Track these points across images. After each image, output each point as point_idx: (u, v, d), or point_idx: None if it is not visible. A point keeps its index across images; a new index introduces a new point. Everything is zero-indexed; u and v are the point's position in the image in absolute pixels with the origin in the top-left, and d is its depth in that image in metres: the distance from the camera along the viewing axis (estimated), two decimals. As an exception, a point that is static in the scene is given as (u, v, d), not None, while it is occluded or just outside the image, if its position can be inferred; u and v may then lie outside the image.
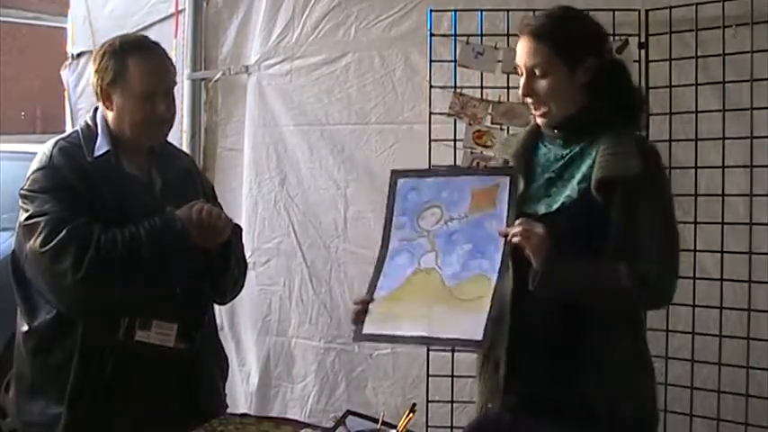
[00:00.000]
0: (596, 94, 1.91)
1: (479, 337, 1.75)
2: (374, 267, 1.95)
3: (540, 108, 1.92)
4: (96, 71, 2.14)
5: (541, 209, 1.90)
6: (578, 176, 1.88)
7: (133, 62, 2.10)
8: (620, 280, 1.79)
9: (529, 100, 1.93)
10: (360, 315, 1.89)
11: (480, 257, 1.84)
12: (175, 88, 2.22)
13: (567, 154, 1.92)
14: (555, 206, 1.89)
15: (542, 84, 1.88)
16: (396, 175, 2.02)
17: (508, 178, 1.90)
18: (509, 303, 1.88)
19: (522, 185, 1.92)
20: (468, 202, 1.91)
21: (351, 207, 3.58)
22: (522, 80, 1.91)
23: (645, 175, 1.82)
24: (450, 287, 1.84)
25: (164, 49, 2.21)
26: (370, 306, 1.89)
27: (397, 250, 1.94)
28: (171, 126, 2.21)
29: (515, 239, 1.80)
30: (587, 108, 1.90)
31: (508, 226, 1.83)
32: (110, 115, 2.15)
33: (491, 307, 1.77)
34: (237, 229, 2.31)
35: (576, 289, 1.81)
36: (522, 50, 1.91)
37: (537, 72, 1.88)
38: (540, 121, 1.95)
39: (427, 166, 3.12)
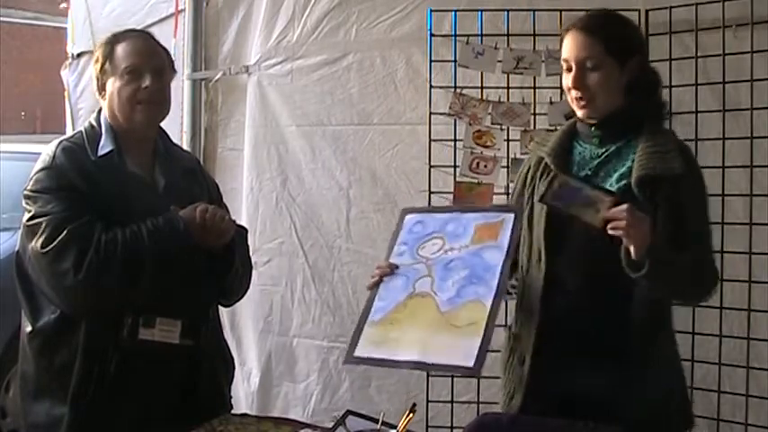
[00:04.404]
0: (635, 94, 1.94)
1: (471, 363, 1.75)
2: (369, 293, 1.97)
3: (586, 101, 1.93)
4: (94, 64, 2.20)
5: None
6: (616, 175, 1.91)
7: (120, 45, 2.16)
8: (695, 266, 1.83)
9: (575, 93, 1.94)
10: (354, 337, 1.89)
11: (476, 283, 1.85)
12: (176, 88, 2.23)
13: (603, 153, 1.96)
14: None
15: (593, 76, 1.91)
16: (405, 211, 2.08)
17: (513, 215, 1.94)
18: (539, 298, 1.91)
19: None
20: (470, 235, 1.94)
21: (353, 207, 3.58)
22: (573, 73, 1.92)
23: (687, 174, 1.86)
24: (443, 312, 1.84)
25: (157, 40, 2.24)
26: (365, 329, 1.89)
27: (392, 275, 1.95)
28: (163, 113, 2.22)
29: (617, 232, 1.75)
30: (625, 108, 1.94)
31: (508, 257, 1.84)
32: (105, 106, 2.18)
33: (485, 333, 1.77)
34: (242, 231, 2.32)
35: (668, 277, 1.79)
36: (573, 44, 1.93)
37: (589, 65, 1.91)
38: (583, 113, 1.95)
39: (427, 166, 3.14)
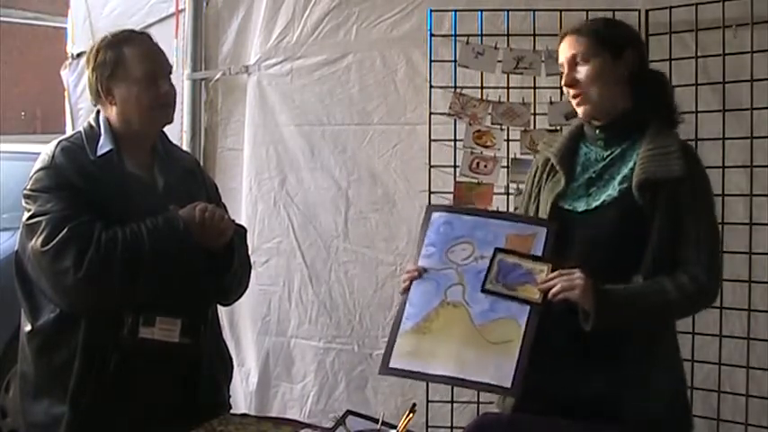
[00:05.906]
0: (639, 94, 1.94)
1: (508, 384, 1.75)
2: (401, 298, 1.93)
3: (581, 97, 1.93)
4: (93, 69, 2.15)
5: (581, 206, 1.94)
6: (619, 177, 1.91)
7: (129, 50, 2.13)
8: (668, 296, 1.81)
9: (571, 92, 1.95)
10: (388, 346, 1.87)
11: (510, 300, 1.84)
12: (175, 88, 2.23)
13: (608, 155, 1.96)
14: (595, 204, 1.92)
15: (583, 69, 1.92)
16: (431, 208, 2.04)
17: (545, 230, 1.92)
18: None
19: (561, 184, 1.95)
20: (502, 245, 1.91)
21: (352, 207, 3.58)
22: (564, 72, 1.95)
23: (688, 177, 1.85)
24: (477, 326, 1.82)
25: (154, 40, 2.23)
26: (398, 339, 1.87)
27: (422, 278, 1.92)
28: (174, 114, 2.22)
29: (560, 296, 1.78)
30: (630, 110, 1.94)
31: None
32: (113, 111, 2.15)
33: (521, 353, 1.76)
34: (241, 230, 2.32)
35: (630, 318, 1.81)
36: (564, 47, 1.96)
37: (578, 59, 1.92)
38: (580, 111, 1.96)
39: (427, 166, 3.14)
